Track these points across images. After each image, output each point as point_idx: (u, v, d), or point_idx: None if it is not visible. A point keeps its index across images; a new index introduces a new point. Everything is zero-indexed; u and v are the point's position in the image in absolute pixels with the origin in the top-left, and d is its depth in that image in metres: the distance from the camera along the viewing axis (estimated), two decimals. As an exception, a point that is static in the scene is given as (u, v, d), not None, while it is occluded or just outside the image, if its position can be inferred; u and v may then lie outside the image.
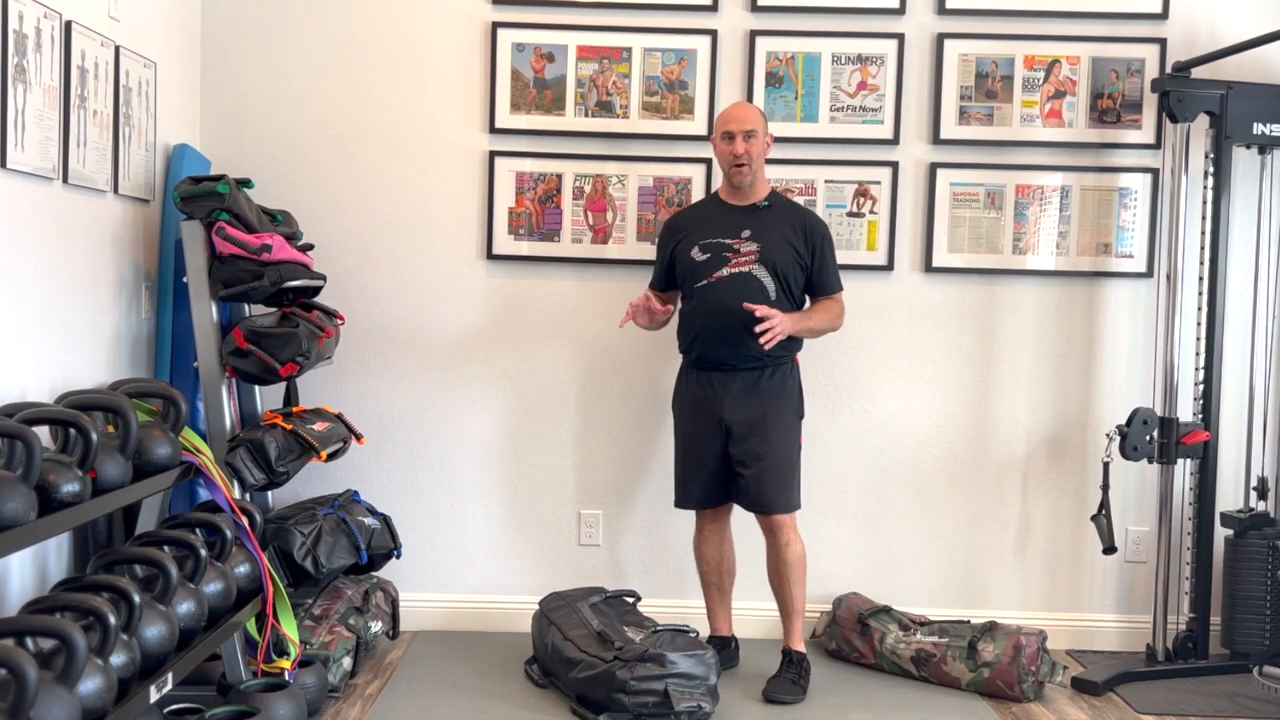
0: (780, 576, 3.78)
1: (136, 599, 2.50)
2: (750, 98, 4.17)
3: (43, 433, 2.73)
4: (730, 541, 3.93)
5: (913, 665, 3.88)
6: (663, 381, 4.21)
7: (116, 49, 3.40)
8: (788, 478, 3.75)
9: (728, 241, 3.74)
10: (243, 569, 3.20)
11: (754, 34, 4.18)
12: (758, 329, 3.57)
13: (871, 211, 4.22)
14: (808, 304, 3.83)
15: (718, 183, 4.18)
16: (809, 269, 3.76)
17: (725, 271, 3.71)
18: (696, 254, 3.76)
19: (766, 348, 3.59)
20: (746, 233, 3.74)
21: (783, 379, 3.76)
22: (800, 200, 4.12)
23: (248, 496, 3.58)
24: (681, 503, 3.92)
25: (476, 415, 4.27)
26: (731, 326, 3.65)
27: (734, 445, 3.74)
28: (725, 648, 3.93)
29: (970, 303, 4.26)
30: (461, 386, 4.26)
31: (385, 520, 3.99)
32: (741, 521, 3.91)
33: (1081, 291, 4.26)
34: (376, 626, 3.80)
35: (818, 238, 3.77)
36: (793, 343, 3.75)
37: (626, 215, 4.22)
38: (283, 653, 3.29)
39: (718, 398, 3.74)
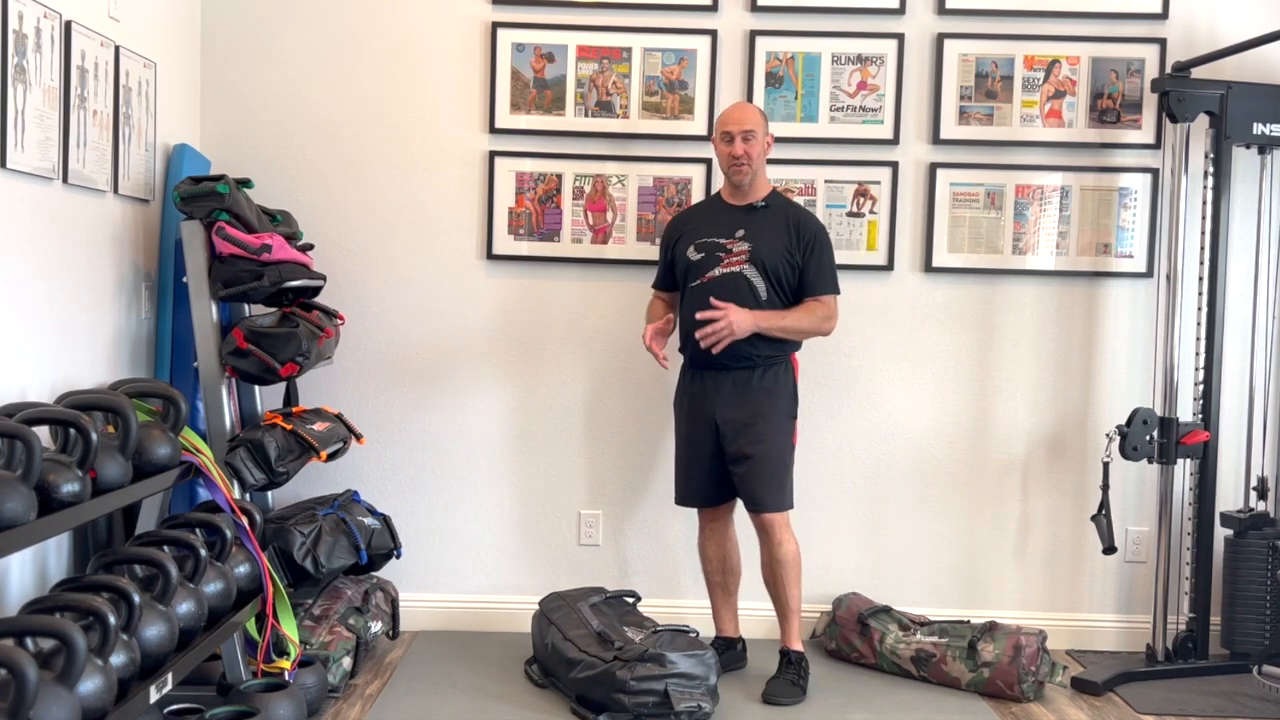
0: (774, 576, 3.78)
1: (136, 599, 2.50)
2: (750, 98, 4.17)
3: (43, 433, 2.73)
4: (733, 540, 3.92)
5: (913, 665, 3.88)
6: (663, 381, 4.21)
7: (116, 49, 3.40)
8: (779, 477, 3.75)
9: (722, 241, 3.75)
10: (243, 569, 3.20)
11: (754, 34, 4.18)
12: (698, 316, 3.60)
13: (871, 211, 4.22)
14: None
15: (718, 183, 4.18)
16: (800, 268, 3.75)
17: (717, 271, 3.72)
18: (692, 253, 3.78)
19: (702, 345, 3.60)
20: (740, 232, 3.74)
21: (774, 379, 3.75)
22: (800, 200, 4.12)
23: (248, 496, 3.58)
24: (681, 500, 3.93)
25: (476, 415, 4.27)
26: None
27: (726, 444, 3.74)
28: (730, 649, 3.92)
29: (970, 303, 4.26)
30: (461, 386, 4.26)
31: (385, 520, 3.99)
32: (746, 522, 3.90)
33: (1081, 291, 4.26)
34: (376, 626, 3.80)
35: (809, 236, 3.75)
36: (786, 342, 3.75)
37: (626, 215, 4.22)
38: (283, 653, 3.29)
39: (710, 397, 3.76)
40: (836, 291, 3.80)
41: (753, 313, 3.65)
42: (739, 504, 3.86)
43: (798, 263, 3.74)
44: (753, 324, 3.63)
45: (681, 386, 3.90)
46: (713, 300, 3.62)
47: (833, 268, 3.80)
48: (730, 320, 3.59)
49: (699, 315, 3.61)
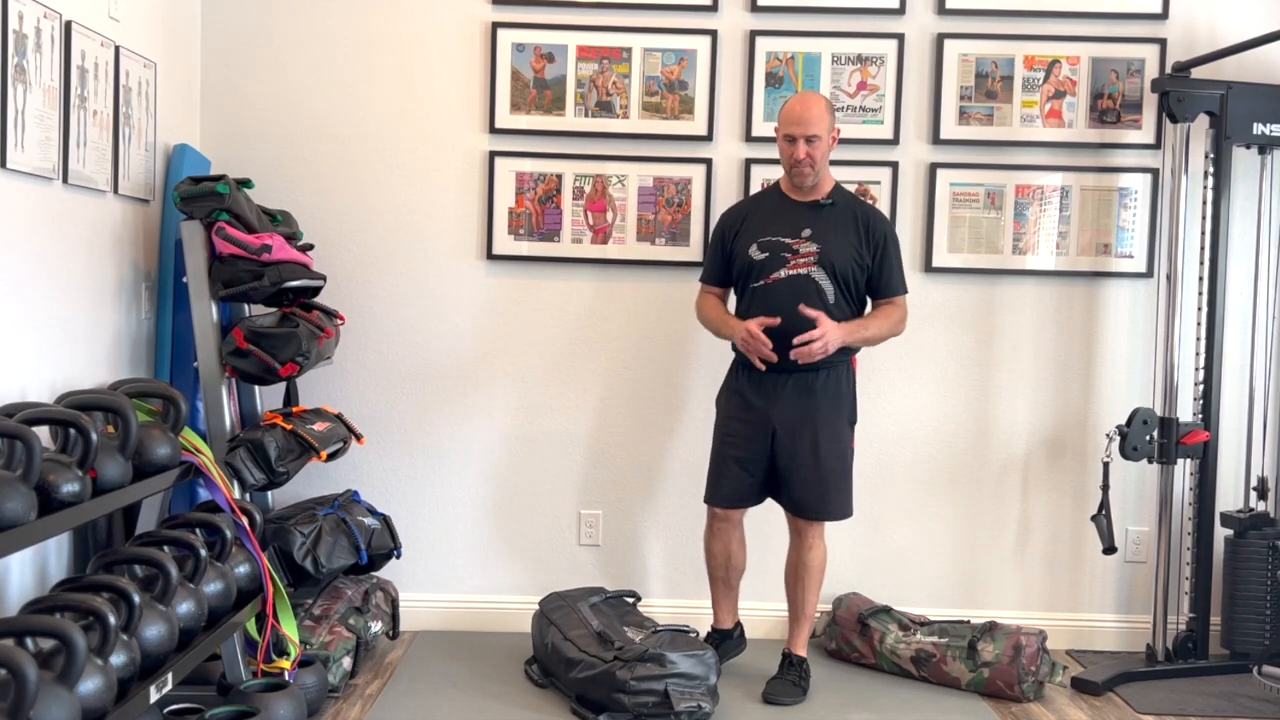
0: (797, 578, 3.75)
1: (136, 599, 2.50)
2: (750, 98, 4.17)
3: (43, 433, 2.73)
4: (740, 540, 3.86)
5: (913, 665, 3.88)
6: (663, 381, 4.21)
7: (116, 49, 3.40)
8: (834, 484, 3.67)
9: (787, 241, 3.62)
10: (243, 569, 3.20)
11: (754, 34, 4.18)
12: (796, 340, 3.46)
13: (871, 211, 4.21)
14: (869, 307, 3.74)
15: (719, 183, 4.19)
16: (870, 270, 3.66)
17: (783, 273, 3.60)
18: (755, 252, 3.65)
19: (800, 362, 3.50)
20: (807, 232, 3.62)
21: (836, 383, 3.66)
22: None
23: (248, 496, 3.58)
24: (712, 499, 3.79)
25: (476, 415, 4.27)
26: (786, 330, 3.50)
27: (782, 449, 3.65)
28: (728, 638, 3.90)
29: (970, 303, 4.26)
30: (461, 386, 4.26)
31: (385, 520, 3.99)
32: (754, 522, 3.89)
33: (1081, 291, 4.26)
34: (376, 626, 3.80)
35: (880, 237, 3.65)
36: (847, 347, 3.66)
37: (626, 215, 4.22)
38: (283, 653, 3.29)
39: (768, 400, 3.64)
40: (906, 290, 3.73)
41: (842, 326, 3.55)
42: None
43: (867, 264, 3.64)
44: (841, 339, 3.53)
45: (732, 386, 3.76)
46: (803, 309, 3.49)
47: (900, 265, 3.72)
48: (828, 339, 3.48)
49: (798, 339, 3.46)
